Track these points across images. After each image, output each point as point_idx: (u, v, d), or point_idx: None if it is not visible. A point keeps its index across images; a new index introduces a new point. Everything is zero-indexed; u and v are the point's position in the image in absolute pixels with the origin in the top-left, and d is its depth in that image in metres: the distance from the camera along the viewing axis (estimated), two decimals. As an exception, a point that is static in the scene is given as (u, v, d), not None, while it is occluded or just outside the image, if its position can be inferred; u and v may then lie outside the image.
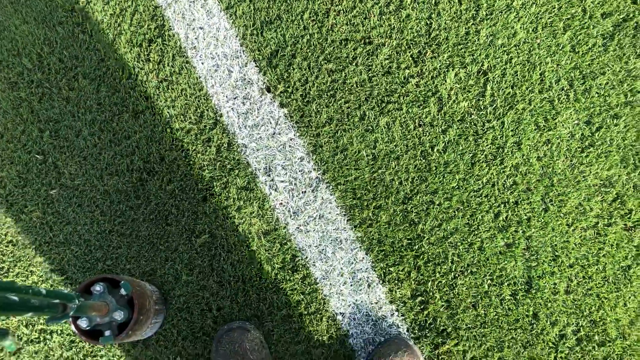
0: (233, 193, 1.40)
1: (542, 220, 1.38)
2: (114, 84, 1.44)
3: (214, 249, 1.38)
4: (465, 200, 1.39)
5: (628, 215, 1.38)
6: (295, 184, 1.40)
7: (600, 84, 1.43)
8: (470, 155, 1.41)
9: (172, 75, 1.44)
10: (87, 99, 1.44)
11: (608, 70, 1.44)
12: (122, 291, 1.09)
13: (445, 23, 1.46)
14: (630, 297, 1.36)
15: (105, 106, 1.43)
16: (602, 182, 1.40)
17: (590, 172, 1.40)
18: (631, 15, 1.46)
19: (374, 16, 1.47)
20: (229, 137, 1.42)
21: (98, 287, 1.08)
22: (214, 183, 1.41)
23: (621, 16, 1.47)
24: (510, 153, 1.41)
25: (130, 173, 1.40)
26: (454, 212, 1.39)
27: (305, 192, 1.39)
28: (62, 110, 1.45)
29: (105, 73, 1.45)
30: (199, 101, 1.43)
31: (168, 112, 1.42)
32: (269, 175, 1.40)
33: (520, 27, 1.46)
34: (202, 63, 1.45)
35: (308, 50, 1.45)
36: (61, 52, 1.47)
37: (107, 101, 1.44)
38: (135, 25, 1.46)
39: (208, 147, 1.42)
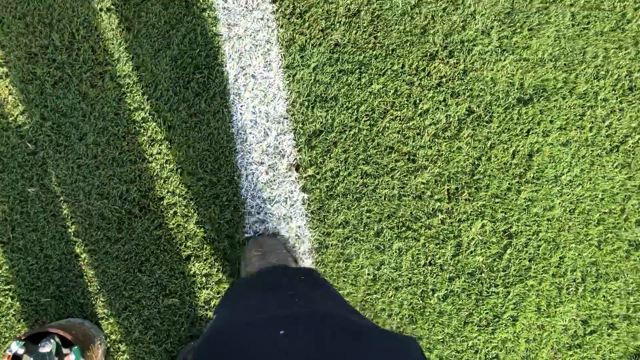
0: (219, 263, 1.28)
1: (508, 404, 1.34)
2: (140, 99, 1.29)
3: (179, 316, 1.25)
4: (444, 357, 1.33)
5: None
6: (286, 278, 1.29)
7: (609, 289, 1.40)
8: (467, 314, 1.35)
9: (205, 113, 1.31)
10: (106, 103, 1.28)
11: (622, 277, 1.41)
12: (72, 356, 0.96)
13: (491, 170, 1.39)
14: None
15: (122, 119, 1.28)
16: (576, 385, 1.36)
17: (569, 372, 1.36)
18: (662, 232, 1.44)
19: (427, 135, 1.38)
20: (238, 202, 1.30)
21: (47, 347, 0.94)
22: (205, 245, 1.28)
23: (653, 230, 1.44)
24: (503, 325, 1.35)
25: (122, 202, 1.25)
26: (430, 365, 1.32)
27: (293, 288, 1.29)
28: (74, 106, 1.28)
29: (136, 83, 1.29)
30: (222, 152, 1.30)
31: (186, 152, 1.29)
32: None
33: (559, 204, 1.41)
34: (241, 114, 1.32)
35: (351, 144, 1.35)
36: (97, 42, 1.30)
37: (127, 115, 1.28)
38: (187, 45, 1.32)
39: (213, 204, 1.29)
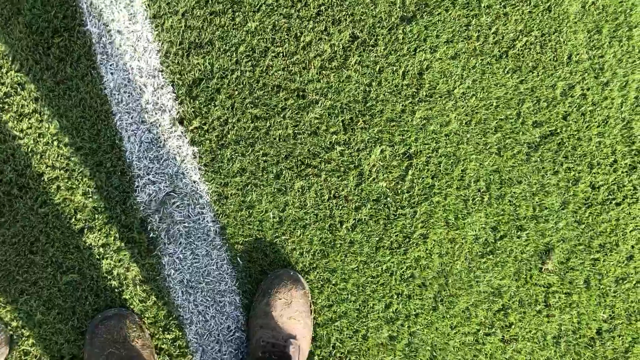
0: (115, 230, 1.24)
1: (429, 319, 1.37)
2: (-2, 74, 1.20)
3: (81, 290, 1.21)
4: (361, 285, 1.34)
5: (507, 328, 1.41)
6: (188, 234, 1.26)
7: (514, 193, 1.43)
8: (377, 239, 1.35)
9: (73, 79, 1.23)
10: (-40, 83, 1.19)
11: (525, 180, 1.44)
12: None
13: (384, 95, 1.38)
14: (489, 407, 1.40)
15: (-18, 98, 1.20)
16: (492, 290, 1.40)
17: (484, 278, 1.40)
18: (559, 130, 1.47)
19: (314, 69, 1.35)
20: (124, 166, 1.25)
21: None
22: (96, 215, 1.23)
23: (550, 129, 1.47)
24: (415, 245, 1.37)
25: (-3, 184, 1.19)
26: (347, 295, 1.34)
27: (198, 245, 1.27)
28: None
29: (-9, 57, 1.21)
30: (98, 117, 1.24)
31: (59, 122, 1.22)
32: (161, 219, 1.26)
33: (455, 117, 1.42)
34: (112, 73, 1.25)
35: (235, 88, 1.30)
36: (-62, 18, 1.20)
37: (-14, 92, 1.20)
38: (39, 8, 1.23)
39: (98, 172, 1.23)
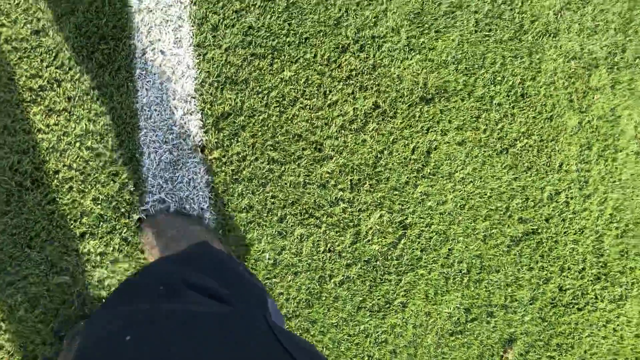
0: (115, 242, 1.25)
1: (393, 385, 1.42)
2: (38, 66, 1.22)
3: (70, 294, 1.21)
4: (337, 341, 1.38)
5: (462, 408, 1.47)
6: (185, 259, 1.28)
7: (491, 280, 1.52)
8: (360, 299, 1.41)
9: (108, 86, 1.26)
10: (3, 69, 1.20)
11: (502, 270, 1.53)
12: None
13: (392, 164, 1.46)
14: None
15: (18, 86, 1.20)
16: (455, 368, 1.47)
17: (450, 356, 1.47)
18: (540, 230, 1.58)
19: (335, 126, 1.42)
20: (139, 180, 1.27)
21: None
22: (101, 223, 1.24)
23: (532, 227, 1.58)
24: (393, 311, 1.43)
25: (12, 173, 1.19)
26: (322, 348, 1.37)
27: (191, 270, 1.28)
28: (-37, 66, 1.19)
29: (35, 48, 1.22)
30: (124, 128, 1.27)
31: (86, 125, 1.24)
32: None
33: (451, 199, 1.51)
34: (147, 90, 1.29)
35: (260, 128, 1.36)
36: (-8, 0, 1.21)
37: (22, 82, 1.21)
38: (93, 13, 1.26)
39: (112, 182, 1.25)
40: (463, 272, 1.50)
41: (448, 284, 1.48)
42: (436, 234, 1.48)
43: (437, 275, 1.47)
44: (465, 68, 1.53)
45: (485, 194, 1.53)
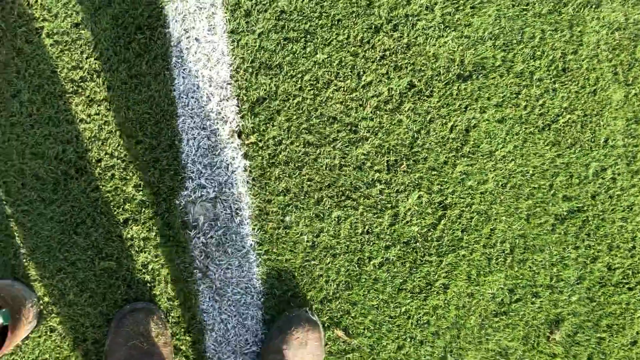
0: (157, 226, 1.28)
1: (436, 367, 1.41)
2: (79, 58, 1.26)
3: (115, 279, 1.25)
4: (378, 322, 1.38)
5: (508, 389, 1.44)
6: (224, 243, 1.31)
7: (535, 260, 1.48)
8: (401, 281, 1.40)
9: (146, 75, 1.29)
10: (42, 60, 1.24)
11: (547, 250, 1.49)
12: None
13: (430, 144, 1.44)
14: None
15: (59, 78, 1.25)
16: (500, 350, 1.45)
17: (494, 337, 1.44)
18: (586, 208, 1.53)
19: (370, 107, 1.41)
20: (178, 166, 1.30)
21: None
22: (143, 209, 1.27)
23: (578, 205, 1.53)
24: (435, 293, 1.42)
25: (57, 162, 1.23)
26: (364, 330, 1.37)
27: (232, 253, 1.31)
28: (8, 61, 1.24)
29: (75, 41, 1.26)
30: (163, 115, 1.29)
31: (125, 114, 1.27)
32: (202, 224, 1.30)
33: (493, 178, 1.48)
34: (183, 77, 1.31)
35: (295, 112, 1.36)
36: (33, -4, 1.26)
37: (64, 74, 1.25)
38: (129, 4, 1.29)
39: (153, 168, 1.28)
40: (506, 252, 1.47)
41: (491, 264, 1.45)
42: (477, 214, 1.46)
43: (479, 255, 1.45)
44: (503, 43, 1.49)
45: (528, 172, 1.50)
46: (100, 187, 1.25)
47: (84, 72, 1.26)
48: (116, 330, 1.18)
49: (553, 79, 1.52)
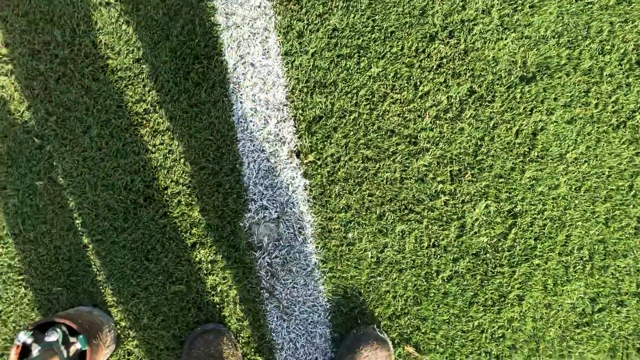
0: (224, 249, 1.31)
1: (515, 382, 1.35)
2: (142, 91, 1.32)
3: (186, 301, 1.29)
4: (450, 338, 1.34)
5: (596, 405, 1.36)
6: (289, 262, 1.32)
7: (618, 266, 1.39)
8: (472, 294, 1.35)
9: (205, 103, 1.33)
10: (108, 96, 1.31)
11: (631, 255, 1.40)
12: (78, 345, 1.00)
13: (495, 150, 1.39)
14: None
15: (125, 111, 1.31)
16: (584, 363, 1.36)
17: (577, 350, 1.36)
18: (672, 208, 1.42)
19: (429, 117, 1.38)
20: (241, 189, 1.32)
21: (53, 337, 0.98)
22: (209, 232, 1.31)
23: (662, 205, 1.43)
24: (509, 305, 1.36)
25: (127, 192, 1.29)
26: (435, 345, 1.34)
27: (297, 272, 1.32)
28: (78, 99, 1.32)
29: (137, 75, 1.32)
30: (224, 141, 1.33)
31: (188, 142, 1.31)
32: (266, 244, 1.32)
33: (565, 182, 1.40)
34: (241, 102, 1.34)
35: (352, 128, 1.36)
36: (97, 36, 1.33)
37: (129, 107, 1.31)
38: (185, 36, 1.34)
39: (216, 192, 1.31)
40: (584, 259, 1.39)
41: (568, 273, 1.38)
42: (550, 220, 1.39)
43: (555, 264, 1.38)
44: (568, 41, 1.42)
45: (604, 174, 1.41)
46: (168, 213, 1.30)
47: (147, 105, 1.32)
48: (188, 352, 1.21)
49: (626, 74, 1.43)
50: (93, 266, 1.30)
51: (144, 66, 1.33)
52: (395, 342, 1.32)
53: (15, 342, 1.01)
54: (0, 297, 1.30)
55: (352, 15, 1.37)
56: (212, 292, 1.29)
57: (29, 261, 1.30)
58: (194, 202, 1.31)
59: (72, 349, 1.04)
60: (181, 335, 1.29)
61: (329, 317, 1.33)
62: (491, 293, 1.36)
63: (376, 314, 1.33)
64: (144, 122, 1.31)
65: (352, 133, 1.36)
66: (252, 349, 1.30)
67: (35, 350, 1.00)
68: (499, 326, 1.36)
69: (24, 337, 1.02)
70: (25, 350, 1.03)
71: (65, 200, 1.30)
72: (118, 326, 1.29)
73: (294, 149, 1.34)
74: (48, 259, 1.30)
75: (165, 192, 1.30)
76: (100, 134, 1.31)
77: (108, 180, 1.31)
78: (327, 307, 1.33)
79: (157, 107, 1.32)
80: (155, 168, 1.30)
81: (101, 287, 1.30)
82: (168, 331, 1.28)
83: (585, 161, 1.41)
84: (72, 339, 1.06)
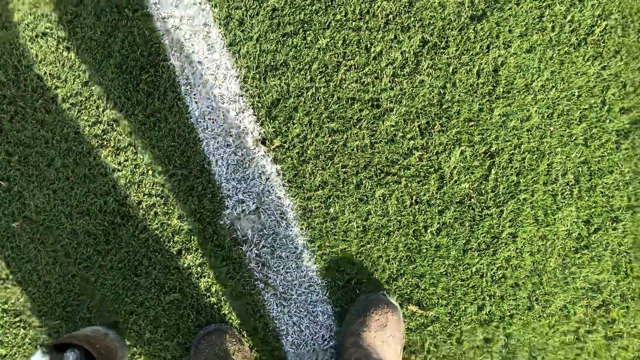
0: (210, 250, 1.31)
1: (525, 319, 1.34)
2: (96, 113, 1.31)
3: (183, 308, 1.29)
4: (450, 289, 1.34)
5: (610, 325, 1.35)
6: (277, 249, 1.31)
7: (606, 184, 1.37)
8: (464, 241, 1.34)
9: (161, 111, 1.32)
10: (64, 125, 1.31)
11: (616, 169, 1.38)
12: None
13: (459, 95, 1.37)
14: (598, 408, 1.34)
15: (84, 137, 1.31)
16: (590, 286, 1.35)
17: (581, 274, 1.35)
18: (649, 114, 1.40)
19: (386, 77, 1.36)
20: (214, 188, 1.32)
21: (71, 358, 0.99)
22: (192, 237, 1.31)
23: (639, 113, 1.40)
24: (504, 244, 1.35)
25: (102, 215, 1.29)
26: (438, 299, 1.33)
27: (287, 257, 1.31)
28: (35, 134, 1.31)
29: (88, 99, 1.32)
30: (187, 144, 1.32)
31: (152, 152, 1.31)
32: (252, 236, 1.31)
33: (536, 111, 1.38)
34: (196, 102, 1.33)
35: (312, 104, 1.35)
36: (40, 68, 1.32)
37: (87, 131, 1.31)
38: (127, 49, 1.33)
39: (190, 196, 1.31)
40: (571, 183, 1.37)
41: (557, 200, 1.36)
42: (529, 152, 1.37)
43: (541, 195, 1.36)
44: (510, -31, 1.39)
45: (574, 95, 1.39)
46: (147, 226, 1.30)
47: (104, 125, 1.31)
48: (195, 357, 1.22)
49: (576, -11, 1.40)
50: (85, 293, 1.31)
51: (93, 88, 1.32)
52: (398, 304, 1.32)
53: None
54: (1, 342, 1.32)
55: (289, -8, 1.35)
56: (207, 294, 1.30)
57: (22, 302, 1.31)
58: (170, 211, 1.31)
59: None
60: (186, 342, 1.29)
61: (328, 294, 1.33)
62: (483, 237, 1.35)
63: (373, 280, 1.33)
64: (105, 142, 1.31)
65: (313, 109, 1.35)
66: (259, 340, 1.31)
67: None
68: (498, 267, 1.35)
69: (40, 356, 1.01)
70: None
71: (45, 236, 1.31)
72: (130, 353, 1.30)
73: (259, 138, 1.33)
74: (40, 295, 1.31)
75: (140, 206, 1.30)
76: (64, 163, 1.31)
77: (82, 207, 1.31)
78: (324, 284, 1.33)
79: (115, 125, 1.31)
80: (125, 185, 1.30)
81: (98, 312, 1.30)
82: (172, 340, 1.29)
83: (553, 86, 1.39)
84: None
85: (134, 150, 1.31)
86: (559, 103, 1.39)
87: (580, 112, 1.39)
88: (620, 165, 1.38)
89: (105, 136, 1.31)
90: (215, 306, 1.30)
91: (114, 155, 1.31)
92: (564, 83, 1.39)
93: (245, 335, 1.31)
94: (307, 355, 1.32)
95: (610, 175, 1.38)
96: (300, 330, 1.32)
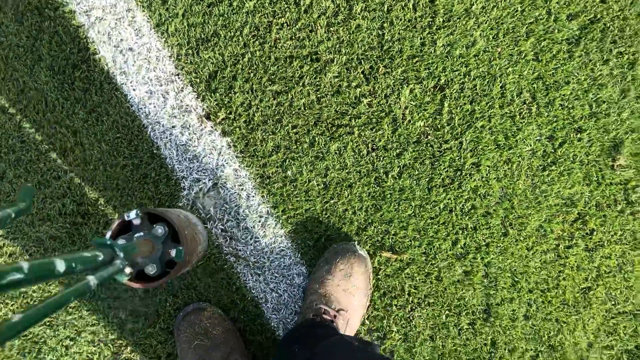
0: (176, 233, 1.31)
1: (502, 246, 1.32)
2: (37, 119, 1.30)
3: (159, 293, 1.30)
4: (421, 229, 1.32)
5: (589, 236, 1.33)
6: (242, 220, 1.31)
7: (564, 95, 1.34)
8: (427, 180, 1.32)
9: (101, 105, 1.31)
10: (8, 137, 1.31)
11: (573, 79, 1.34)
12: (172, 254, 0.97)
13: (398, 33, 1.33)
14: (589, 320, 1.33)
15: (29, 144, 1.30)
16: (563, 201, 1.33)
17: (552, 191, 1.33)
18: (599, 16, 1.35)
19: (321, 29, 1.33)
20: (168, 171, 1.31)
21: (160, 232, 0.95)
22: (155, 223, 1.31)
23: (588, 17, 1.35)
24: (468, 175, 1.33)
25: (63, 217, 1.30)
26: (410, 241, 1.32)
27: (253, 227, 1.31)
28: (-18, 151, 1.31)
29: (27, 106, 1.31)
30: (132, 133, 1.31)
31: (99, 147, 1.30)
32: (215, 213, 1.31)
33: (480, 35, 1.34)
34: (134, 90, 1.31)
35: (250, 70, 1.32)
36: (-26, 85, 1.32)
37: (32, 138, 1.30)
38: (56, 49, 1.31)
39: (145, 184, 1.31)
40: (528, 102, 1.34)
41: (516, 121, 1.33)
42: (479, 78, 1.33)
43: (499, 119, 1.33)
44: None
45: (517, 10, 1.34)
46: (109, 221, 1.30)
47: (47, 129, 1.30)
48: (178, 339, 1.23)
49: None
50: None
51: (29, 94, 1.31)
52: (371, 252, 1.31)
53: (124, 216, 0.97)
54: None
55: (206, -40, 1.31)
56: (181, 277, 1.30)
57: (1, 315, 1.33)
58: (128, 202, 1.30)
59: (166, 255, 0.99)
60: (168, 327, 1.31)
61: (300, 255, 1.32)
62: (446, 172, 1.33)
63: (342, 234, 1.32)
64: (52, 146, 1.30)
65: (252, 75, 1.32)
66: (239, 312, 1.31)
67: (138, 234, 0.96)
68: (466, 199, 1.33)
69: (134, 215, 0.97)
70: (125, 228, 0.99)
71: (11, 248, 1.32)
72: (107, 338, 1.31)
73: (203, 113, 1.32)
74: (16, 308, 1.33)
75: (98, 202, 1.30)
76: (16, 174, 1.31)
77: (42, 213, 1.31)
78: (295, 247, 1.32)
79: (58, 127, 1.30)
80: (79, 185, 1.30)
81: (76, 314, 1.32)
82: (154, 327, 1.30)
83: (494, 5, 1.34)
84: (171, 245, 1.00)
85: (82, 149, 1.30)
86: (503, 22, 1.34)
87: (527, 27, 1.34)
88: (576, 74, 1.34)
89: (50, 139, 1.30)
90: (190, 287, 1.31)
91: (62, 157, 1.30)
92: (505, 0, 1.34)
93: (224, 309, 1.31)
94: (289, 318, 1.32)
95: (567, 86, 1.34)
96: (279, 295, 1.32)
